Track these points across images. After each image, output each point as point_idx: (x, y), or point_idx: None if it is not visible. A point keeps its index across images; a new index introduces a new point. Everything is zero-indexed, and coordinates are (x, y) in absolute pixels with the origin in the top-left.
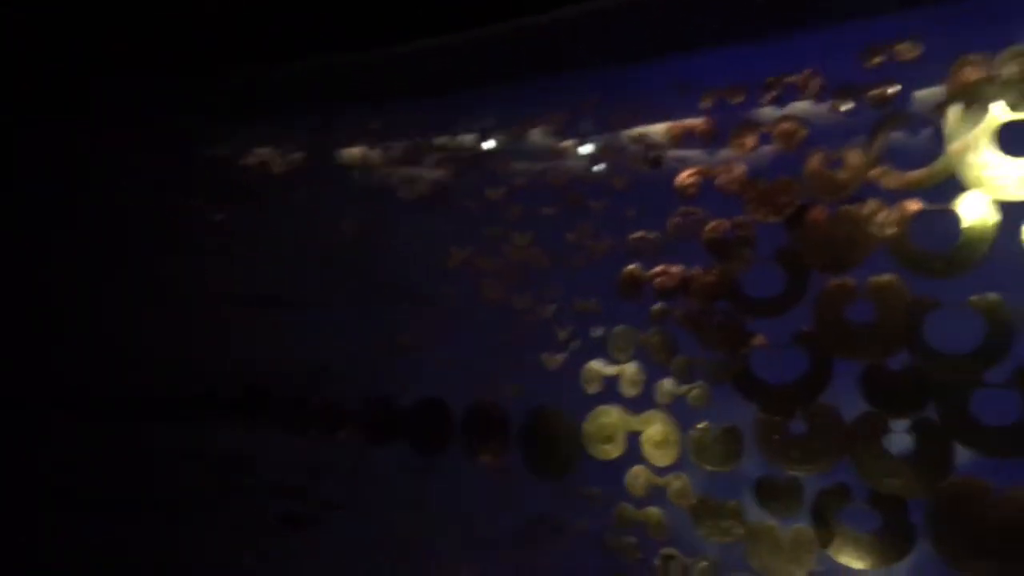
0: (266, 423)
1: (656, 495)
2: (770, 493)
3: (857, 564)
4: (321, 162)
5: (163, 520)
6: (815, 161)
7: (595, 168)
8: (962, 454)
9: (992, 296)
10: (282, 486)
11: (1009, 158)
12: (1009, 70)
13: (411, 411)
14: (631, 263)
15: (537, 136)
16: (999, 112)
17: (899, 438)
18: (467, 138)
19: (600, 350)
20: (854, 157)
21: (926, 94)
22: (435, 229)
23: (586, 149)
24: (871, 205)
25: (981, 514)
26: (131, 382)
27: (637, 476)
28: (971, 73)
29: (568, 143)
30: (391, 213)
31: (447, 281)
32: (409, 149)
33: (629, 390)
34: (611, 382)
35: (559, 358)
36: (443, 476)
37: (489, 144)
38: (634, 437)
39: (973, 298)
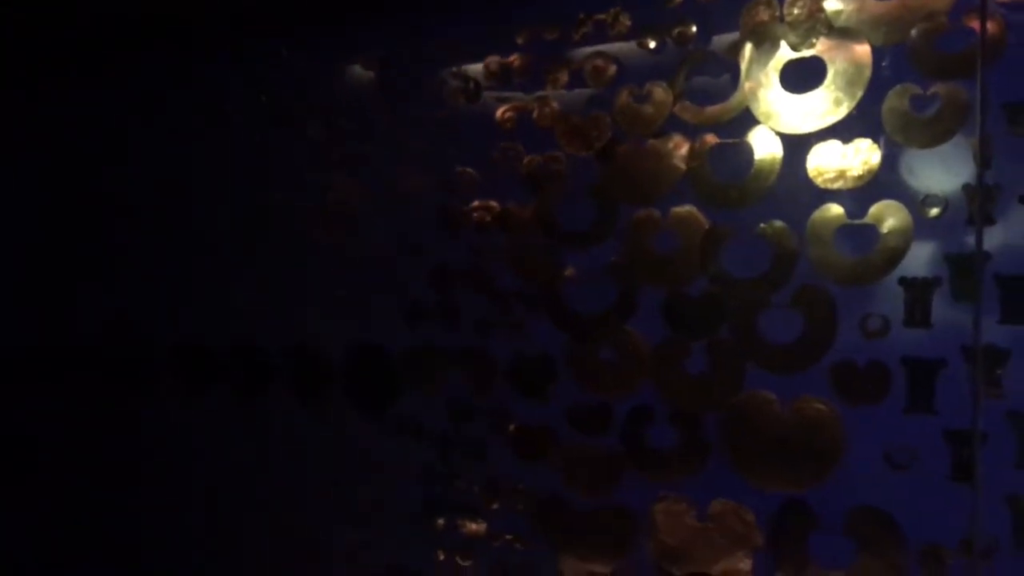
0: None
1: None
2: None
3: (658, 472)
4: None
5: None
6: (624, 97)
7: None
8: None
9: (778, 223)
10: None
11: (793, 94)
12: (794, 11)
13: (230, 355)
14: (453, 199)
15: (358, 76)
16: (786, 51)
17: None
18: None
19: (423, 287)
20: (659, 93)
21: (724, 35)
22: (255, 172)
23: (405, 87)
24: (675, 140)
25: (766, 425)
26: None
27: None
28: (762, 13)
29: (387, 82)
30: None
31: (267, 224)
32: None
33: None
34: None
35: (384, 297)
36: (266, 418)
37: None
38: (454, 376)
39: (762, 225)
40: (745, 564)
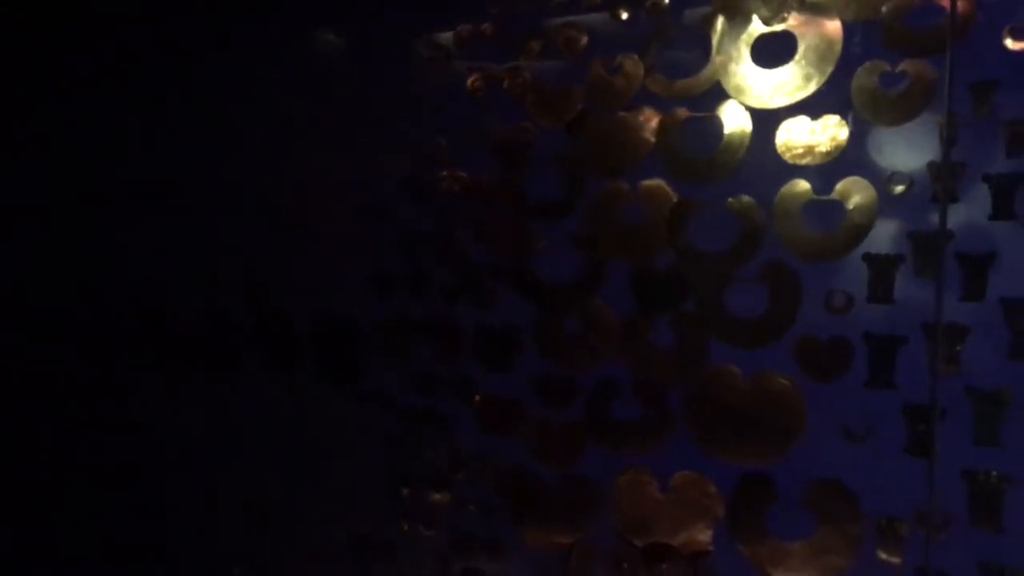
0: None
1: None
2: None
3: (622, 445)
4: None
5: None
6: (596, 68)
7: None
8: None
9: (746, 198)
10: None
11: (764, 69)
12: None
13: (195, 327)
14: (425, 169)
15: (331, 41)
16: (758, 25)
17: None
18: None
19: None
20: (631, 65)
21: (696, 7)
22: (219, 139)
23: (380, 54)
24: (645, 113)
25: (730, 399)
26: None
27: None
28: None
29: (361, 49)
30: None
31: (238, 194)
32: None
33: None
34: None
35: (352, 268)
36: (231, 388)
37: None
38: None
39: (730, 200)
40: (705, 535)
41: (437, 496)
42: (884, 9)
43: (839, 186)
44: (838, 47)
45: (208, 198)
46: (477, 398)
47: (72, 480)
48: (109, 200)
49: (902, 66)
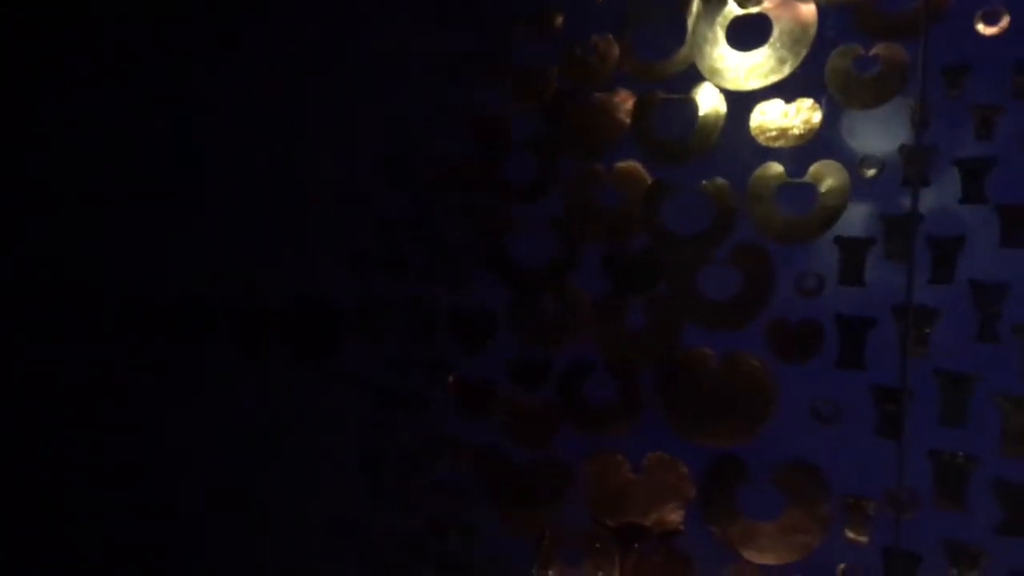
0: None
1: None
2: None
3: (595, 426)
4: None
5: None
6: (572, 50)
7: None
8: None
9: (720, 180)
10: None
11: (739, 52)
12: None
13: (170, 309)
14: (400, 150)
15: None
16: (733, 7)
17: None
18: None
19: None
20: (607, 46)
21: None
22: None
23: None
24: (620, 94)
25: (702, 381)
26: None
27: None
28: None
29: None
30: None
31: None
32: None
33: None
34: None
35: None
36: (204, 368)
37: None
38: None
39: (704, 182)
40: (677, 515)
41: (411, 478)
42: None
43: (812, 169)
44: (812, 30)
45: (183, 181)
46: (451, 379)
47: (30, 458)
48: (79, 184)
49: (875, 50)
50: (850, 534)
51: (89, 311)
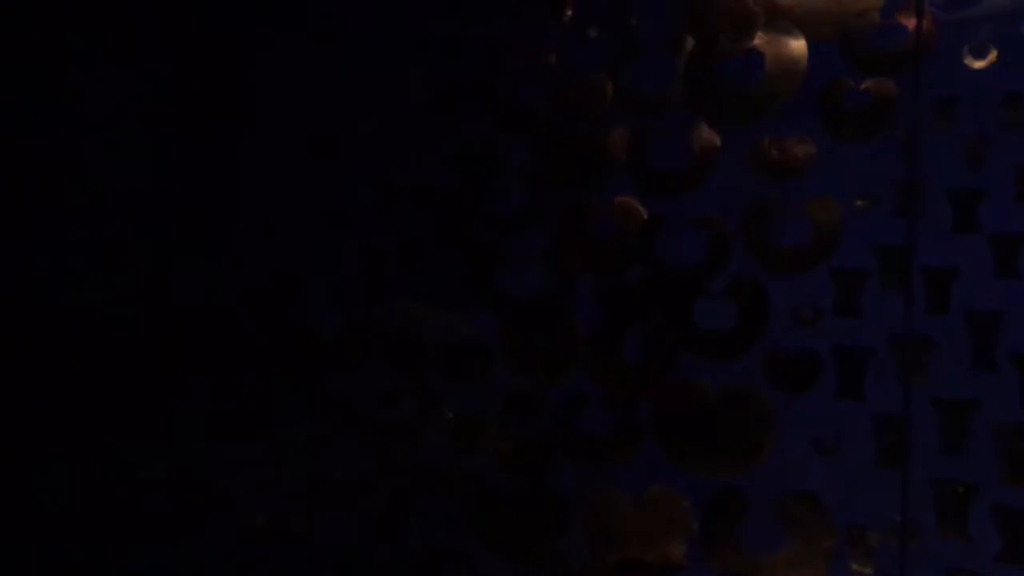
0: None
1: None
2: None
3: (592, 459)
4: None
5: None
6: (567, 84)
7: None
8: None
9: (715, 214)
10: None
11: (732, 87)
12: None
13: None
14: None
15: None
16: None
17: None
18: None
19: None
20: (599, 82)
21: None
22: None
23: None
24: (615, 129)
25: (700, 412)
26: None
27: None
28: (703, 7)
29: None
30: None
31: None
32: None
33: None
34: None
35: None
36: (188, 397)
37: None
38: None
39: (701, 216)
40: (679, 550)
41: (406, 511)
42: (848, 29)
43: (807, 202)
44: (804, 65)
45: (168, 203)
46: (450, 415)
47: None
48: (53, 200)
49: (865, 84)
50: (854, 566)
51: (66, 334)
